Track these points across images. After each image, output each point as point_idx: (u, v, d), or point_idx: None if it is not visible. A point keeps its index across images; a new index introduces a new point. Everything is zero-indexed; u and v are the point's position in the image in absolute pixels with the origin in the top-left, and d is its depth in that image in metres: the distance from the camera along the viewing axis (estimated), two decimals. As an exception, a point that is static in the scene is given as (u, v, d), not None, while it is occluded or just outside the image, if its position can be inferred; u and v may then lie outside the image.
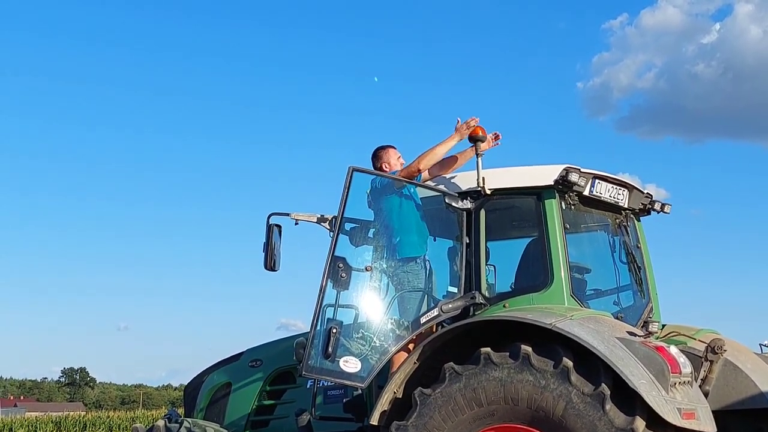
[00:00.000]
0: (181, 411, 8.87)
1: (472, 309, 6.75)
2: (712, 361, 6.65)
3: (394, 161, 7.32)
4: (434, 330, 6.73)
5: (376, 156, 7.39)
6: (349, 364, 6.62)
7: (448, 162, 7.22)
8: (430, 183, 7.17)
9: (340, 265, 6.64)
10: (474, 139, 6.94)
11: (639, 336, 6.13)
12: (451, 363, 6.21)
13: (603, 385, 5.73)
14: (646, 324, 6.57)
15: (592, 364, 5.83)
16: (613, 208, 7.26)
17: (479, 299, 6.74)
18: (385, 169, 7.29)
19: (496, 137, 7.11)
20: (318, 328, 6.67)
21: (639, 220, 7.65)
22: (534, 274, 6.88)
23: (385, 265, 6.95)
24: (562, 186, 6.72)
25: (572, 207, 6.85)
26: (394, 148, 7.42)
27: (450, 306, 6.71)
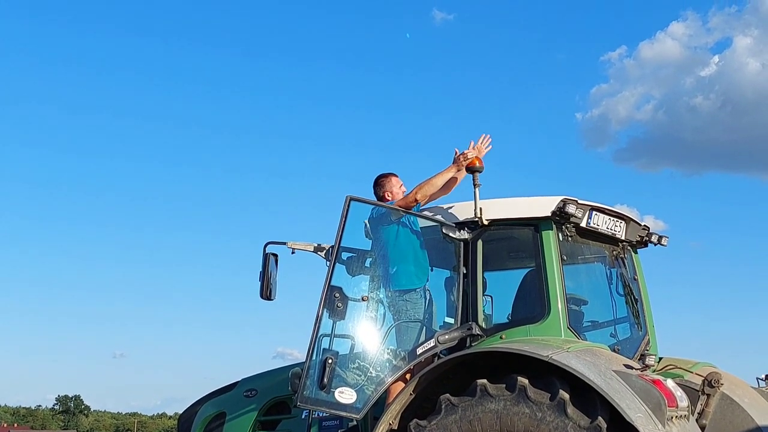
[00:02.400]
0: (174, 440, 8.81)
1: (468, 340, 6.73)
2: (709, 395, 6.62)
3: (396, 189, 7.32)
4: (431, 361, 6.70)
5: (378, 184, 7.40)
6: (345, 395, 6.58)
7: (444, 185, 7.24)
8: (427, 213, 7.17)
9: (337, 294, 6.63)
10: (472, 170, 6.95)
11: (636, 369, 6.10)
12: (447, 394, 6.18)
13: (599, 418, 5.69)
14: (642, 357, 6.54)
15: (588, 397, 5.80)
16: (611, 239, 7.26)
17: (476, 330, 6.72)
18: (387, 197, 7.30)
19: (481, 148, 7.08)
20: (313, 358, 6.63)
21: (636, 252, 7.65)
22: (531, 305, 6.86)
23: (381, 295, 6.93)
24: (560, 217, 6.73)
25: (569, 238, 6.85)
26: (396, 176, 7.43)
27: (447, 337, 6.70)
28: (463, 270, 6.87)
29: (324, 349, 6.63)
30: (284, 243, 7.18)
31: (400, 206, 7.01)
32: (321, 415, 7.30)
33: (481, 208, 6.82)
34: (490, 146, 7.15)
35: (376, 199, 7.33)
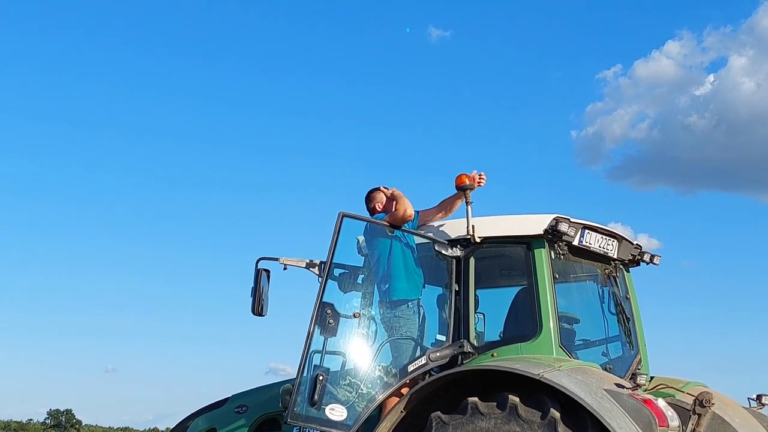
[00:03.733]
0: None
1: (460, 357, 6.72)
2: (700, 415, 6.59)
3: (386, 201, 7.32)
4: (422, 378, 6.68)
5: (369, 197, 7.42)
6: (335, 412, 6.56)
7: (444, 205, 7.25)
8: (419, 230, 7.17)
9: (328, 311, 6.62)
10: (462, 188, 6.93)
11: (627, 388, 6.10)
12: (438, 412, 6.17)
13: (590, 437, 5.68)
14: (634, 376, 6.53)
15: (579, 416, 5.79)
16: (603, 258, 7.26)
17: (467, 348, 6.71)
18: (377, 208, 7.31)
19: (480, 177, 7.07)
20: (304, 374, 6.63)
21: (628, 271, 7.64)
22: (523, 323, 6.85)
23: (373, 312, 6.93)
24: (552, 235, 6.73)
25: (561, 257, 6.84)
26: (386, 189, 7.43)
27: (438, 354, 6.68)
28: (455, 287, 6.86)
29: (315, 365, 6.62)
30: (276, 259, 7.17)
31: (388, 222, 7.00)
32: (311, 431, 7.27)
33: (473, 226, 6.82)
34: (483, 181, 7.08)
35: (368, 213, 7.34)
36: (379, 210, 7.28)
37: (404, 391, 6.62)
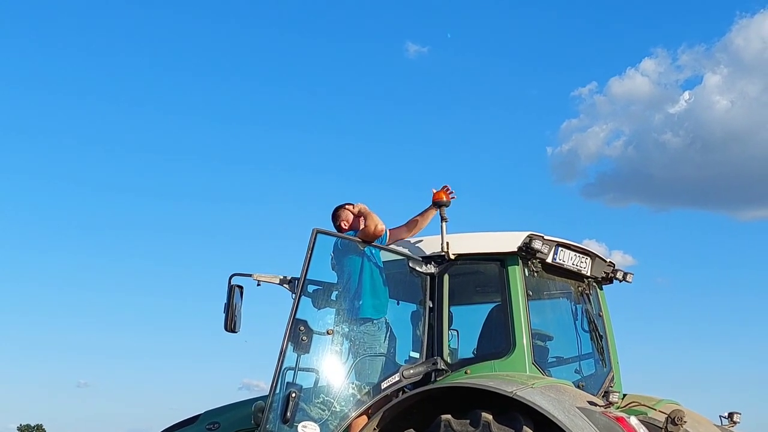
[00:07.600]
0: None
1: (433, 375, 6.71)
2: (672, 432, 6.62)
3: (352, 217, 7.30)
4: (395, 395, 6.66)
5: (335, 215, 7.40)
6: (308, 430, 6.52)
7: (413, 222, 7.24)
8: (393, 247, 7.16)
9: (302, 328, 6.58)
10: (438, 204, 6.94)
11: (600, 406, 6.11)
12: (411, 430, 6.16)
13: (563, 454, 5.67)
14: (606, 393, 6.56)
15: (552, 434, 5.79)
16: (576, 275, 7.29)
17: (441, 365, 6.70)
18: (343, 226, 7.29)
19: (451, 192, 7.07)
20: (277, 392, 6.57)
21: (601, 289, 7.68)
22: (496, 340, 6.86)
23: (347, 329, 6.89)
24: (526, 253, 6.75)
25: (535, 274, 6.86)
26: (351, 205, 7.42)
27: (411, 371, 6.67)
28: (429, 304, 6.86)
29: (288, 382, 6.57)
30: (250, 275, 7.12)
31: (361, 238, 6.98)
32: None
33: (448, 243, 6.83)
34: (454, 196, 7.09)
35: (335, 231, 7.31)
36: (346, 228, 7.27)
37: (377, 408, 6.60)
